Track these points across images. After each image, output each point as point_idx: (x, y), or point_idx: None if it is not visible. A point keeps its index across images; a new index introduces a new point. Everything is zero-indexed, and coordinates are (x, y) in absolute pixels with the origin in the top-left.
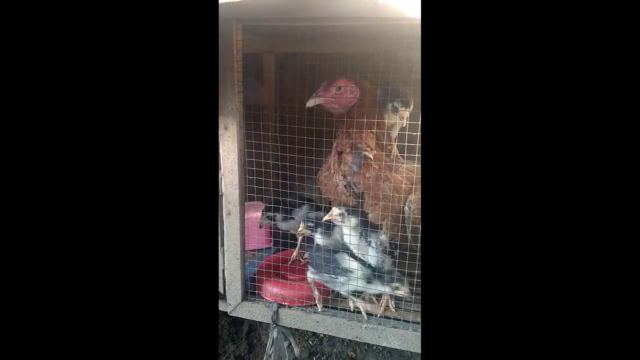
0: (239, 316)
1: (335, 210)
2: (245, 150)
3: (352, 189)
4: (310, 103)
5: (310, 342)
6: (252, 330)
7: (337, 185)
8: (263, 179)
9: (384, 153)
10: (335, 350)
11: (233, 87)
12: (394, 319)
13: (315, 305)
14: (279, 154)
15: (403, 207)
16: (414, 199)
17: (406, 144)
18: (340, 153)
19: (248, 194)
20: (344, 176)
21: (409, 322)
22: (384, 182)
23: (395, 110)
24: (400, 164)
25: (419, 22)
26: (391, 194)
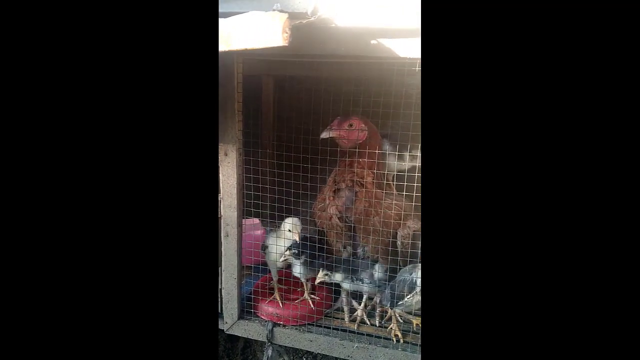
0: (235, 334)
1: (320, 274)
2: (244, 175)
3: (345, 221)
4: (324, 135)
5: (304, 359)
6: (248, 347)
7: (332, 217)
8: (260, 202)
9: (378, 190)
10: None
11: (233, 116)
12: (384, 338)
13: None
14: (276, 179)
15: (395, 241)
16: (405, 234)
17: (405, 183)
18: (337, 189)
19: (245, 217)
20: (338, 210)
21: (399, 341)
22: (373, 217)
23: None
24: (390, 201)
25: (410, 61)
26: (380, 229)
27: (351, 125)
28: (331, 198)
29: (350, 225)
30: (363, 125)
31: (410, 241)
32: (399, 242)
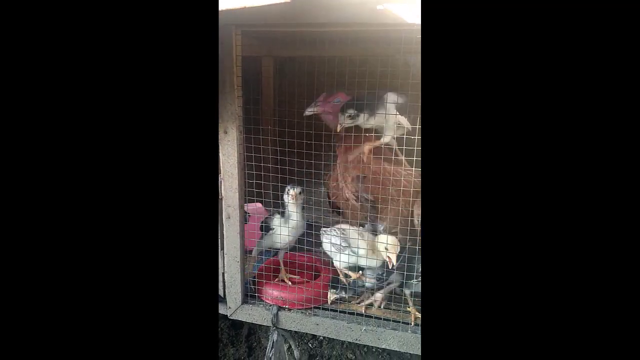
0: (239, 319)
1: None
2: (245, 154)
3: (361, 201)
4: (309, 112)
5: (310, 345)
6: (252, 334)
7: (349, 200)
8: (263, 182)
9: (386, 163)
10: (334, 352)
11: (232, 91)
12: (393, 320)
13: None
14: (279, 157)
15: (411, 210)
16: (420, 212)
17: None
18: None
19: (248, 198)
20: (352, 193)
21: (408, 324)
22: (391, 187)
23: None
24: (401, 169)
25: (418, 28)
26: (398, 198)
27: (337, 101)
28: (344, 182)
29: (367, 205)
30: (350, 100)
31: None
32: (416, 221)
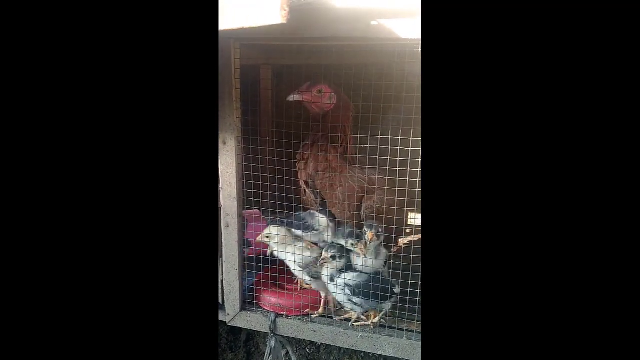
0: (237, 326)
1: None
2: (243, 164)
3: (314, 193)
4: (291, 98)
5: (308, 350)
6: (250, 339)
7: (305, 192)
8: (261, 191)
9: (342, 162)
10: (332, 357)
11: (231, 103)
12: (388, 327)
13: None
14: (276, 167)
15: (357, 213)
16: (368, 205)
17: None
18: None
19: (246, 206)
20: (306, 182)
21: (403, 330)
22: (338, 189)
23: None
24: (354, 174)
25: (411, 42)
26: (342, 201)
27: (320, 91)
28: (299, 168)
29: (319, 198)
30: (332, 93)
31: (375, 209)
32: (362, 214)
